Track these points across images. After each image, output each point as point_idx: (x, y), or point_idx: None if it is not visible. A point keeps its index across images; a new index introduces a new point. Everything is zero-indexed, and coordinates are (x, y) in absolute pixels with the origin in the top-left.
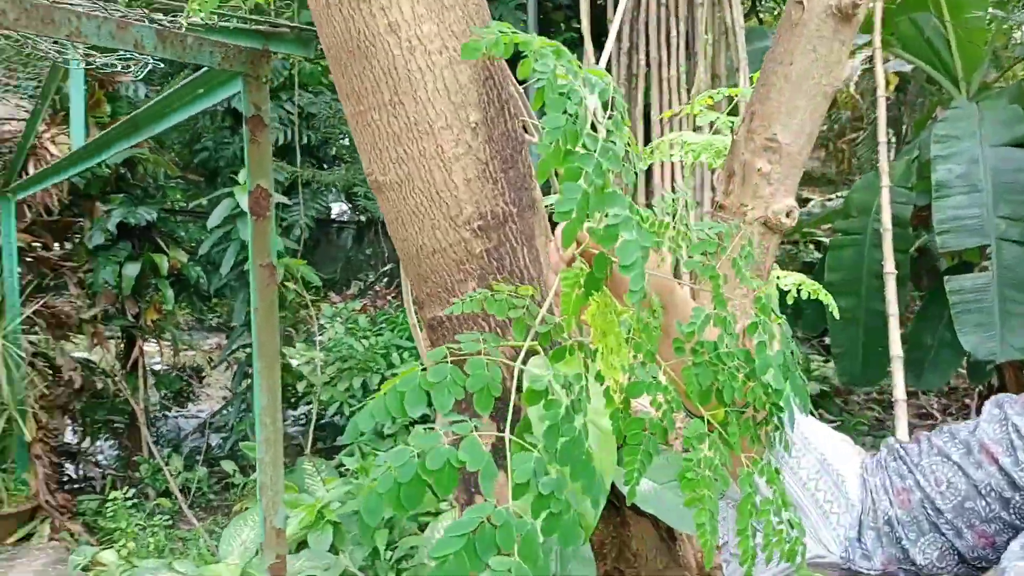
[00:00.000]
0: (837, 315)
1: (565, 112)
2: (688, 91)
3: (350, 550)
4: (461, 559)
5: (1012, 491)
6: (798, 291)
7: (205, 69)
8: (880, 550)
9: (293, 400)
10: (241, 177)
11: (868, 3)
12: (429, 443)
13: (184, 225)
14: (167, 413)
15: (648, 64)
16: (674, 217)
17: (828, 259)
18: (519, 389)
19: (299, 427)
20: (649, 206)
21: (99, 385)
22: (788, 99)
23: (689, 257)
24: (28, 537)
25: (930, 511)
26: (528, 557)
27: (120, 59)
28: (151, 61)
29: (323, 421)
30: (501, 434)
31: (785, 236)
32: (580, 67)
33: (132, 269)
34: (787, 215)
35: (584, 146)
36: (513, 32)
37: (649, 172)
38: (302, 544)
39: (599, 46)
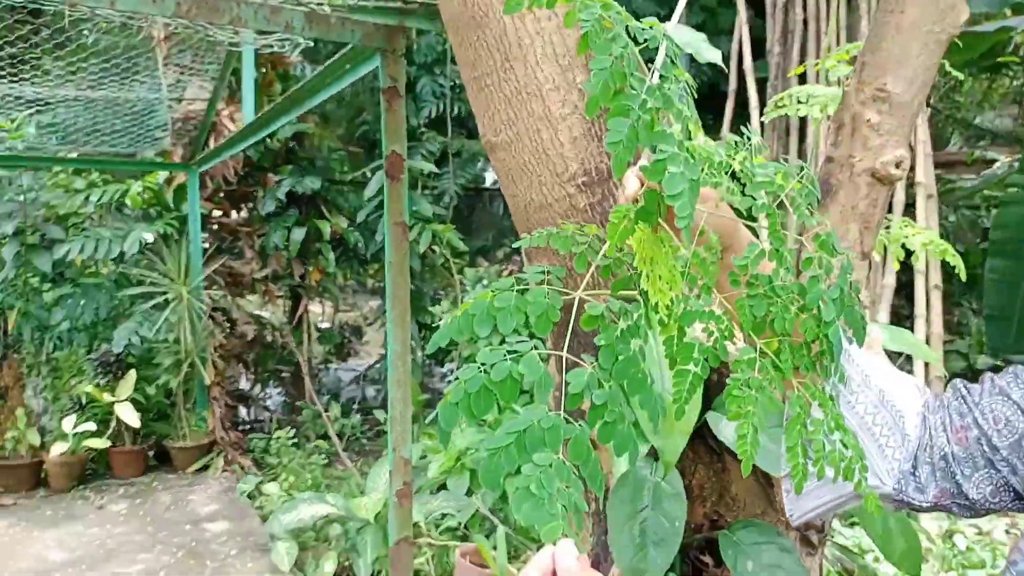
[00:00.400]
0: (964, 277)
1: (611, 55)
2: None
3: (482, 492)
4: (511, 453)
5: None
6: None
7: (349, 46)
8: (934, 484)
9: (440, 358)
10: None
11: None
12: (494, 359)
13: (345, 194)
14: (328, 366)
15: (805, 20)
16: (734, 159)
17: (994, 216)
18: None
19: (446, 383)
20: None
21: (269, 338)
22: (900, 48)
23: (743, 196)
24: (205, 468)
25: (986, 448)
26: (578, 456)
27: (280, 39)
28: (303, 40)
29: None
30: (559, 352)
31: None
32: (629, 19)
33: (298, 234)
34: (897, 166)
35: (632, 87)
36: None
37: (804, 129)
38: (442, 487)
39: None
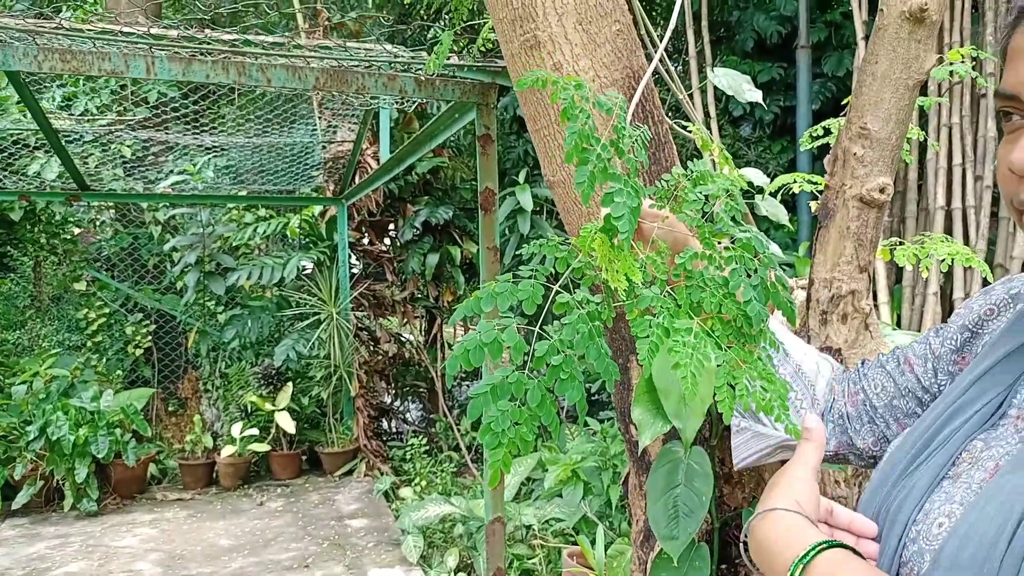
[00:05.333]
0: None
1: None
2: (973, 56)
3: (589, 499)
4: (487, 398)
5: (923, 393)
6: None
7: (452, 102)
8: (834, 438)
9: None
10: (521, 177)
11: (937, 6)
12: (487, 328)
13: (475, 221)
14: (461, 382)
15: None
16: (675, 188)
17: None
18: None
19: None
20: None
21: (407, 355)
22: (875, 93)
23: (684, 213)
24: (350, 472)
25: (868, 408)
26: (533, 401)
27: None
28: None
29: (593, 398)
30: (532, 327)
31: None
32: (594, 95)
33: (433, 259)
34: (881, 191)
35: (592, 145)
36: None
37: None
38: (557, 496)
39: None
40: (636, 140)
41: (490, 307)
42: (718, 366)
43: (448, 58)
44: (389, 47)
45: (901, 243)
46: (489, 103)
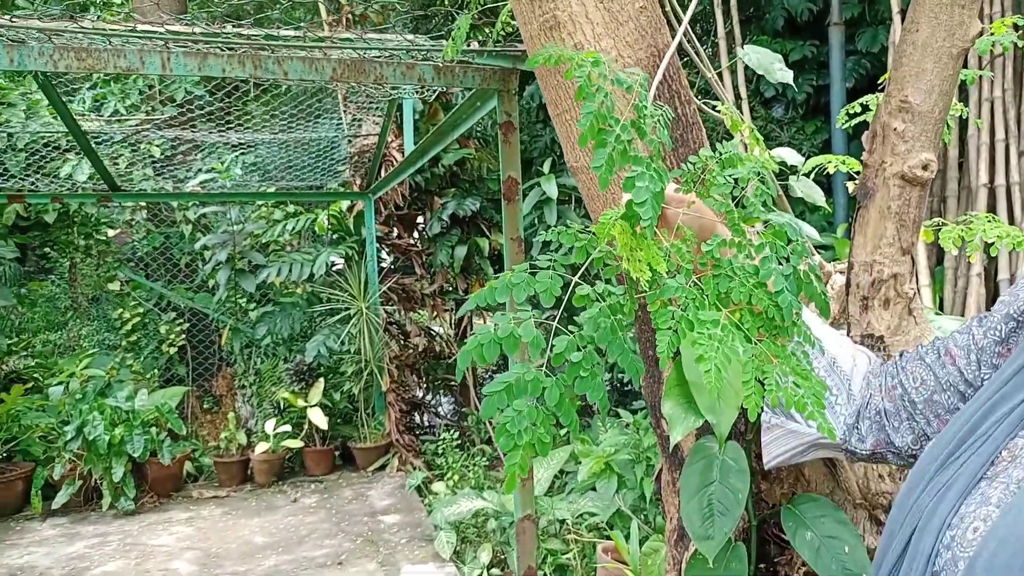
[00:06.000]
0: None
1: (595, 103)
2: (1018, 26)
3: (623, 493)
4: (502, 397)
5: (966, 387)
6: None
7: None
8: (871, 435)
9: None
10: (546, 167)
11: None
12: (503, 321)
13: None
14: (492, 374)
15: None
16: (703, 171)
17: None
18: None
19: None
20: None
21: (438, 349)
22: (917, 63)
23: (711, 197)
24: (383, 467)
25: (907, 403)
26: (552, 401)
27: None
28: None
29: (626, 388)
30: (550, 322)
31: None
32: (614, 72)
33: (461, 251)
34: (924, 168)
35: (609, 125)
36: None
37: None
38: (592, 489)
39: None
40: (658, 120)
41: (505, 297)
42: (748, 360)
43: (467, 44)
44: (410, 37)
45: (944, 224)
46: (511, 89)
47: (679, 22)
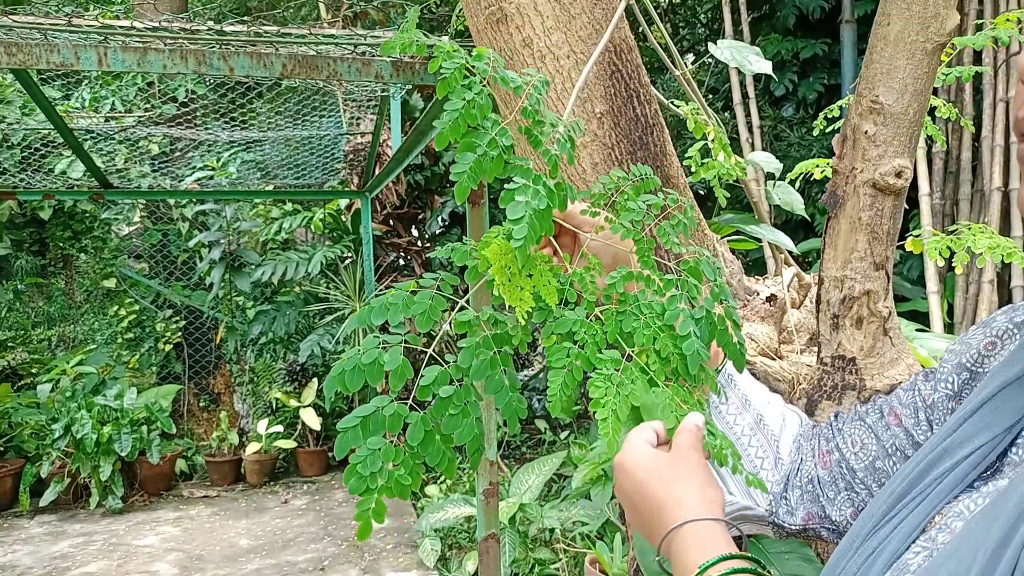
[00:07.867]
0: None
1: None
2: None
3: (616, 502)
4: (356, 433)
5: (913, 451)
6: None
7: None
8: (803, 507)
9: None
10: None
11: None
12: (369, 346)
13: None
14: None
15: None
16: (615, 192)
17: None
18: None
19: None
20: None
21: (436, 349)
22: (888, 59)
23: (621, 225)
24: None
25: (845, 470)
26: (415, 439)
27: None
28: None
29: None
30: (425, 349)
31: None
32: (501, 69)
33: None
34: (897, 175)
35: (483, 126)
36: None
37: None
38: (586, 497)
39: None
40: (569, 128)
41: (380, 320)
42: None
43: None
44: (376, 33)
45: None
46: None
47: (646, 15)
